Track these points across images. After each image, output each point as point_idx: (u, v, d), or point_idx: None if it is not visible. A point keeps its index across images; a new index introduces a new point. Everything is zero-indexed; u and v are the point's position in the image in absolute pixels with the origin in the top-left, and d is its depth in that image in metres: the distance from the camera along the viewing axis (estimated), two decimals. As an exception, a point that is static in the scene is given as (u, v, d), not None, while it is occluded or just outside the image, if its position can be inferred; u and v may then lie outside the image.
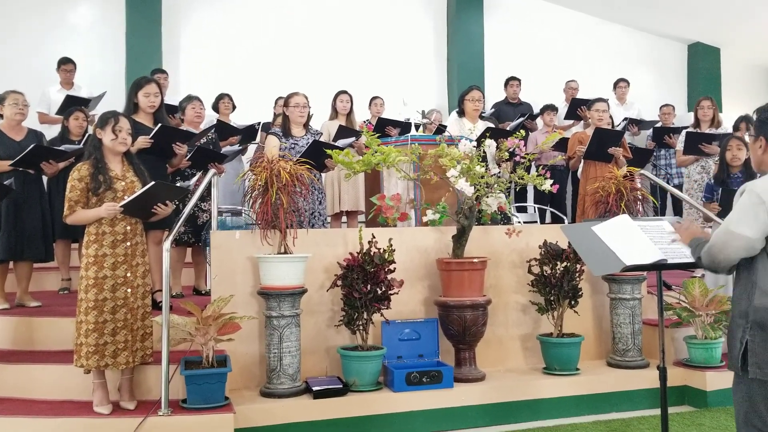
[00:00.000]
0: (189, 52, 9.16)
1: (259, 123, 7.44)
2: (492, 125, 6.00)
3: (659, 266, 2.94)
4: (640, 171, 5.66)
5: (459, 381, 4.46)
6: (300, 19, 9.58)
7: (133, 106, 4.78)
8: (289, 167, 4.20)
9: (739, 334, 2.45)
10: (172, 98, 6.70)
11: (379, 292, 4.29)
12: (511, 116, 8.28)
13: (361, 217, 6.51)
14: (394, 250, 4.39)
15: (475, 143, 4.96)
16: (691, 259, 2.80)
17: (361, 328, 4.33)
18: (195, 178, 5.28)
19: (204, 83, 8.27)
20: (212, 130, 5.82)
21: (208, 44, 9.20)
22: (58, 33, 8.58)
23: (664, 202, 8.07)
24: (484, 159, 4.82)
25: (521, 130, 5.07)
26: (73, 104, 6.25)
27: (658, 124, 8.35)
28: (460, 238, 4.62)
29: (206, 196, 5.10)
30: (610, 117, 6.40)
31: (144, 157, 4.35)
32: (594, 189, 5.20)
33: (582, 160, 6.11)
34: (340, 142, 5.65)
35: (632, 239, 2.92)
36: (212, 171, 4.83)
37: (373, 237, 4.38)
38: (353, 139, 6.02)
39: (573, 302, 4.76)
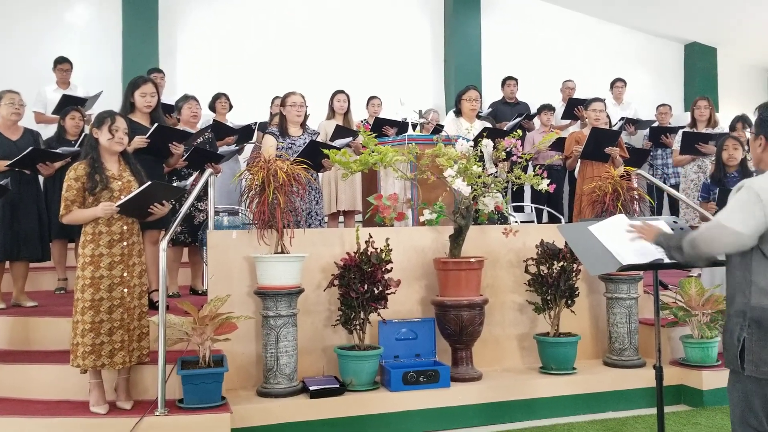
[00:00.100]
0: (186, 51, 9.14)
1: (255, 123, 7.43)
2: (489, 125, 6.00)
3: (655, 266, 2.95)
4: (637, 171, 5.66)
5: (456, 380, 4.46)
6: (297, 18, 9.57)
7: (129, 106, 4.78)
8: (286, 167, 4.20)
9: (737, 332, 2.45)
10: (169, 98, 6.67)
11: (376, 291, 4.30)
12: (508, 116, 8.28)
13: (358, 217, 6.50)
14: (391, 250, 4.40)
15: (472, 143, 4.96)
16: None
17: (358, 327, 4.34)
18: (192, 178, 5.27)
19: (200, 83, 8.27)
20: (209, 130, 5.81)
21: (204, 44, 9.18)
22: (55, 32, 8.55)
23: (661, 201, 8.09)
24: (481, 159, 4.82)
25: (518, 130, 5.06)
26: (69, 104, 6.23)
27: (655, 124, 8.36)
28: (457, 238, 4.62)
29: (203, 195, 5.10)
30: (607, 117, 6.41)
31: (141, 156, 4.34)
32: (591, 189, 5.20)
33: (579, 160, 6.12)
34: (338, 142, 5.65)
35: (629, 239, 2.92)
36: (209, 171, 4.82)
37: (370, 237, 4.39)
38: (350, 138, 6.01)
39: (570, 302, 4.77)
